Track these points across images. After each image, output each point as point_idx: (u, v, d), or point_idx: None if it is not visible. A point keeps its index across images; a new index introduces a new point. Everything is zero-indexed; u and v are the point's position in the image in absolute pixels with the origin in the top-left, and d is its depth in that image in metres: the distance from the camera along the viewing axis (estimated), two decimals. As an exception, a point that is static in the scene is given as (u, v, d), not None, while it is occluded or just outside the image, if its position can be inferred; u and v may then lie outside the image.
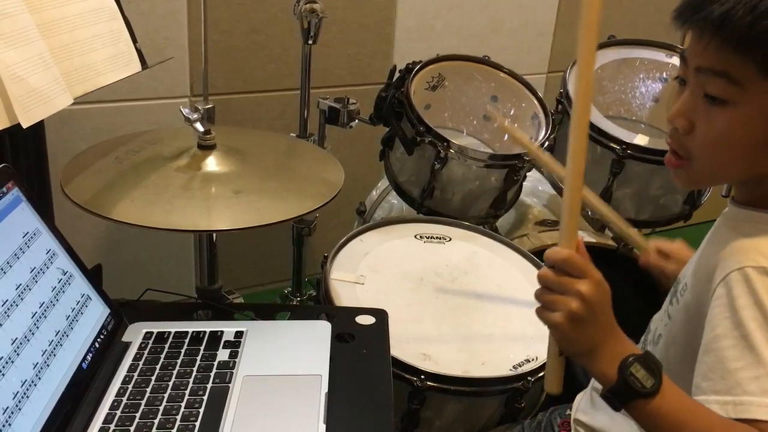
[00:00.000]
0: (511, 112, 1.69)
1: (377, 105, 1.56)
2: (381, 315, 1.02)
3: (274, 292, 1.99)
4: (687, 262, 1.09)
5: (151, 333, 0.92)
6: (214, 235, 1.27)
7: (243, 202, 1.03)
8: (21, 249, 0.79)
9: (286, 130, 1.71)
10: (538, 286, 0.74)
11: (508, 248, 1.40)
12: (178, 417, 0.78)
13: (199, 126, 1.11)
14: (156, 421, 0.77)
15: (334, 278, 1.22)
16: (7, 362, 0.71)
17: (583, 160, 0.72)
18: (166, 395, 0.81)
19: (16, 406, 0.70)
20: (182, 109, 1.13)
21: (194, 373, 0.85)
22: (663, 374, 0.69)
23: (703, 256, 0.80)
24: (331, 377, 0.85)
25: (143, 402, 0.80)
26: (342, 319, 1.00)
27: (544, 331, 0.75)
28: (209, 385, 0.83)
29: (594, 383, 0.98)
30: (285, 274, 1.84)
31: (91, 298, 0.89)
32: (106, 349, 0.88)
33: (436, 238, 1.40)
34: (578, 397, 1.02)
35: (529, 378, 1.07)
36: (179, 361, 0.87)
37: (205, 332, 0.92)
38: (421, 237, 1.39)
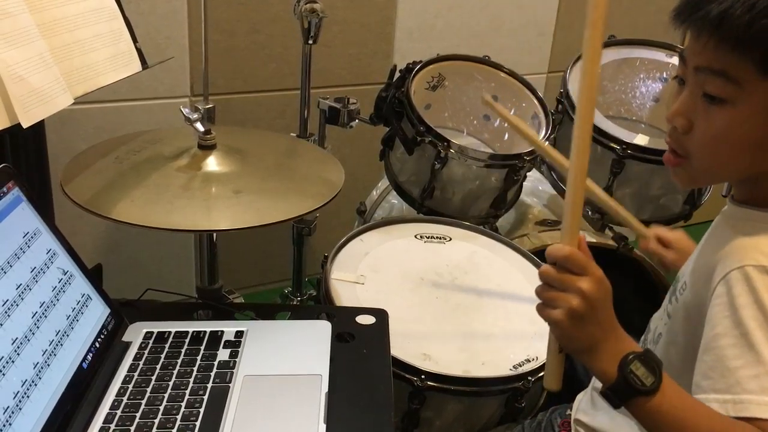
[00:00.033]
0: (512, 112, 1.68)
1: (377, 105, 1.56)
2: (381, 315, 1.02)
3: (275, 291, 2.00)
4: (686, 251, 1.10)
5: (152, 333, 0.92)
6: (215, 234, 1.27)
7: (243, 201, 1.03)
8: (21, 249, 0.79)
9: (286, 130, 1.71)
10: (538, 286, 0.74)
11: (509, 248, 1.40)
12: (179, 417, 0.78)
13: (199, 126, 1.11)
14: (156, 421, 0.77)
15: (334, 278, 1.22)
16: (7, 362, 0.71)
17: (586, 158, 0.72)
18: (166, 395, 0.81)
19: (17, 405, 0.70)
20: (182, 109, 1.14)
21: (194, 373, 0.85)
22: (663, 372, 0.70)
23: (702, 255, 0.80)
24: (331, 377, 0.85)
25: (143, 402, 0.80)
26: (342, 319, 1.00)
27: (545, 330, 0.75)
28: (209, 385, 0.83)
29: (594, 383, 0.98)
30: (285, 273, 1.84)
31: (91, 298, 0.89)
32: (107, 348, 0.88)
33: (437, 237, 1.40)
34: (578, 397, 1.02)
35: (530, 378, 1.07)
36: (179, 361, 0.87)
37: (205, 332, 0.92)
38: (421, 237, 1.39)
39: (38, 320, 0.77)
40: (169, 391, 0.82)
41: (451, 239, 1.40)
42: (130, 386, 0.83)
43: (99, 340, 0.87)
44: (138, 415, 0.78)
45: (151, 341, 0.91)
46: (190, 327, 0.94)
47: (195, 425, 0.77)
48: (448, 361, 1.09)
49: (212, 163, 1.10)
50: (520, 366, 1.10)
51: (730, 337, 0.69)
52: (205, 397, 0.81)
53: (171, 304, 1.09)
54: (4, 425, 0.67)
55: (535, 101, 1.64)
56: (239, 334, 0.92)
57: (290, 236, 1.71)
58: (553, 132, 1.57)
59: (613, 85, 1.72)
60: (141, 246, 1.89)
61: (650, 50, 1.70)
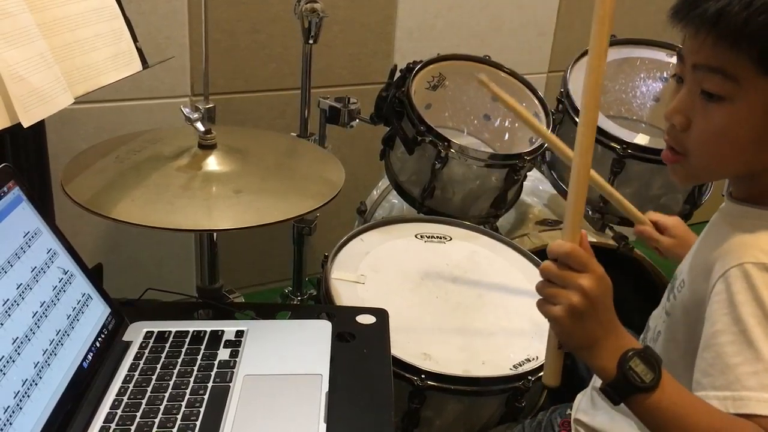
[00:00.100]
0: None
1: (378, 104, 1.56)
2: (381, 314, 1.02)
3: (275, 291, 2.00)
4: (682, 237, 1.11)
5: (152, 332, 0.92)
6: (215, 234, 1.27)
7: (243, 201, 1.03)
8: (22, 248, 0.79)
9: (286, 129, 1.71)
10: (539, 282, 0.74)
11: (509, 248, 1.40)
12: (179, 416, 0.78)
13: (199, 125, 1.12)
14: (157, 421, 0.77)
15: (334, 278, 1.22)
16: (8, 361, 0.71)
17: (590, 155, 0.73)
18: (166, 394, 0.81)
19: (17, 405, 0.70)
20: (183, 109, 1.14)
21: (195, 373, 0.85)
22: (662, 369, 0.70)
23: (701, 252, 0.80)
24: (331, 376, 0.85)
25: (144, 401, 0.80)
26: (342, 319, 1.00)
27: (545, 330, 0.75)
28: (210, 385, 0.83)
29: (594, 382, 0.98)
30: (285, 273, 1.84)
31: (91, 298, 0.89)
32: (107, 348, 0.88)
33: (437, 237, 1.40)
34: (579, 396, 1.02)
35: (530, 377, 1.07)
36: (180, 361, 0.87)
37: (205, 332, 0.92)
38: (421, 236, 1.39)
39: (39, 320, 0.77)
40: (169, 390, 0.82)
41: (451, 239, 1.40)
42: (131, 386, 0.83)
43: (99, 339, 0.87)
44: (138, 414, 0.78)
45: (151, 341, 0.91)
46: (191, 326, 0.94)
47: (195, 425, 0.77)
48: (449, 360, 1.09)
49: (213, 163, 1.10)
50: (521, 365, 1.10)
51: (729, 334, 0.69)
52: (206, 397, 0.81)
53: (171, 303, 1.09)
54: (4, 425, 0.67)
55: (536, 101, 1.64)
56: (239, 334, 0.92)
57: (290, 236, 1.71)
58: (554, 131, 1.57)
59: (614, 84, 1.72)
60: (141, 245, 1.90)
61: (651, 50, 1.70)
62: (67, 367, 0.79)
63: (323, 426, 0.77)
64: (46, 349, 0.77)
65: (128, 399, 0.81)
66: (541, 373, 1.06)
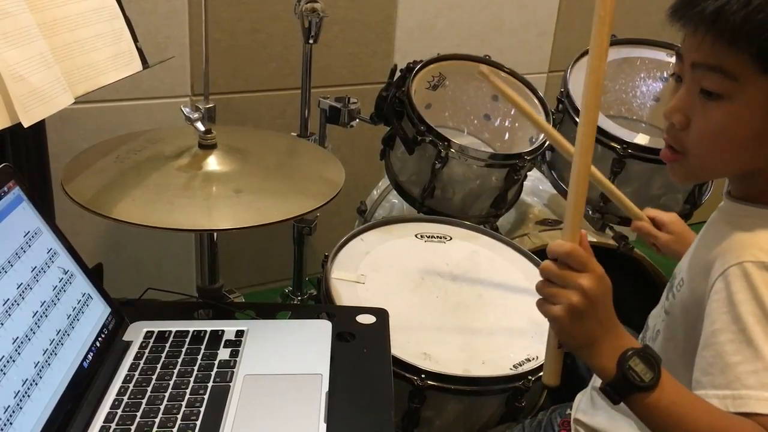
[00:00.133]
0: (512, 111, 1.69)
1: (378, 104, 1.56)
2: (381, 314, 1.02)
3: (275, 291, 2.00)
4: (680, 234, 1.11)
5: (152, 332, 0.92)
6: (215, 234, 1.27)
7: (244, 201, 1.03)
8: (22, 248, 0.79)
9: (286, 129, 1.71)
10: (539, 281, 0.74)
11: (509, 247, 1.40)
12: (179, 416, 0.78)
13: (199, 125, 1.12)
14: (157, 420, 0.77)
15: (334, 277, 1.22)
16: (8, 361, 0.71)
17: (590, 156, 0.73)
18: (167, 394, 0.81)
19: (18, 404, 0.70)
20: (183, 109, 1.14)
21: (195, 372, 0.85)
22: (662, 368, 0.70)
23: (700, 251, 0.80)
24: (331, 376, 0.85)
25: (144, 401, 0.80)
26: (342, 319, 1.00)
27: (545, 330, 0.75)
28: (210, 384, 0.83)
29: (594, 382, 0.98)
30: (286, 273, 1.84)
31: (92, 297, 0.89)
32: (107, 348, 0.88)
33: (437, 237, 1.40)
34: (578, 396, 1.02)
35: (530, 377, 1.07)
36: (180, 360, 0.87)
37: (205, 331, 0.92)
38: (421, 236, 1.39)
39: (39, 319, 0.77)
40: (169, 390, 0.82)
41: (451, 239, 1.40)
42: (131, 385, 0.83)
43: (100, 339, 0.87)
44: (139, 414, 0.78)
45: (151, 340, 0.91)
46: (191, 326, 0.94)
47: (195, 424, 0.77)
48: (449, 360, 1.09)
49: (213, 163, 1.10)
50: (521, 365, 1.10)
51: (728, 333, 0.69)
52: (206, 397, 0.81)
53: (171, 303, 1.09)
54: (5, 424, 0.67)
55: (536, 101, 1.64)
56: (240, 334, 0.92)
57: (291, 236, 1.71)
58: (554, 131, 1.57)
59: (614, 84, 1.72)
60: (141, 245, 1.90)
61: (651, 50, 1.70)
62: (68, 367, 0.80)
63: (323, 426, 0.77)
64: (47, 349, 0.77)
65: (128, 399, 0.81)
66: (541, 373, 1.07)
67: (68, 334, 0.81)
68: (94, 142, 1.20)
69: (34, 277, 0.79)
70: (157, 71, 1.69)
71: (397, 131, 1.52)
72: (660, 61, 1.69)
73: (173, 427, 0.77)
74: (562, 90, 1.63)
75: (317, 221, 1.68)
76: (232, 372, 0.85)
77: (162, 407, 0.79)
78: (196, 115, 1.12)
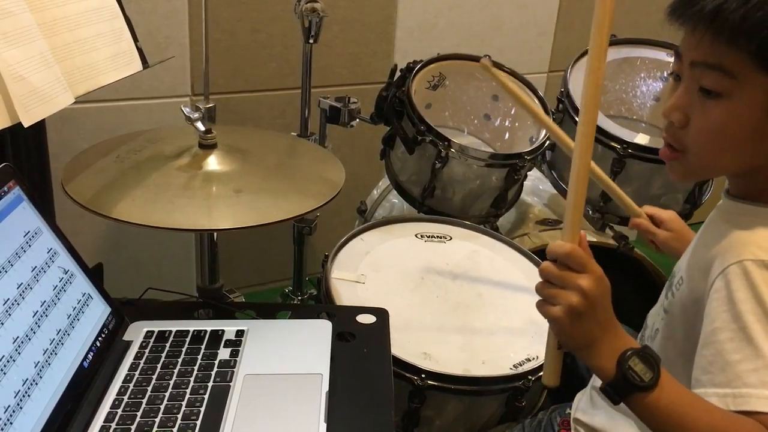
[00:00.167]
0: (512, 111, 1.69)
1: (378, 104, 1.56)
2: (382, 314, 1.02)
3: (275, 291, 2.00)
4: (678, 231, 1.11)
5: (152, 332, 0.92)
6: (215, 234, 1.27)
7: (244, 201, 1.03)
8: (22, 248, 0.79)
9: (287, 129, 1.71)
10: (538, 282, 0.74)
11: (509, 247, 1.40)
12: (179, 416, 0.78)
13: (200, 125, 1.12)
14: (157, 420, 0.78)
15: (334, 277, 1.22)
16: (8, 361, 0.71)
17: (589, 156, 0.73)
18: (167, 394, 0.82)
19: (18, 404, 0.70)
20: (183, 108, 1.14)
21: (195, 372, 0.85)
22: (662, 368, 0.70)
23: (698, 249, 0.81)
24: (331, 376, 0.85)
25: (144, 401, 0.80)
26: (343, 318, 1.00)
27: (545, 330, 0.75)
28: (210, 384, 0.83)
29: (594, 382, 0.98)
30: (286, 273, 1.84)
31: (92, 297, 0.89)
32: (108, 348, 0.88)
33: (437, 237, 1.40)
34: (578, 396, 1.02)
35: (530, 377, 1.07)
36: (180, 360, 0.87)
37: (206, 331, 0.92)
38: (421, 236, 1.39)
39: (39, 319, 0.77)
40: (169, 390, 0.82)
41: (451, 238, 1.40)
42: (131, 385, 0.83)
43: (100, 339, 0.87)
44: (139, 414, 0.78)
45: (151, 340, 0.91)
46: (191, 326, 0.94)
47: (196, 424, 0.77)
48: (449, 360, 1.09)
49: (213, 163, 1.10)
50: (521, 365, 1.10)
51: (728, 332, 0.69)
52: (206, 396, 0.81)
53: (172, 303, 1.09)
54: (5, 424, 0.67)
55: (536, 100, 1.63)
56: (240, 334, 0.92)
57: (291, 235, 1.71)
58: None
59: (614, 84, 1.72)
60: (142, 245, 1.90)
61: (651, 49, 1.70)
62: (68, 367, 0.80)
63: (323, 425, 0.77)
64: (47, 349, 0.77)
65: (129, 398, 0.81)
66: (541, 373, 1.07)
67: (68, 334, 0.81)
68: (94, 141, 1.20)
69: (35, 277, 0.79)
70: (157, 71, 1.69)
71: (397, 131, 1.52)
72: (660, 60, 1.69)
73: (173, 426, 0.77)
74: (563, 90, 1.63)
75: (317, 221, 1.68)
76: (232, 372, 0.85)
77: (162, 407, 0.79)
78: (196, 115, 1.12)
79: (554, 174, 1.71)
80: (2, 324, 0.72)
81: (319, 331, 0.93)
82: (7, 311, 0.73)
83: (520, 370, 1.09)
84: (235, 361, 0.87)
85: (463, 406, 1.10)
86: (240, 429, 0.77)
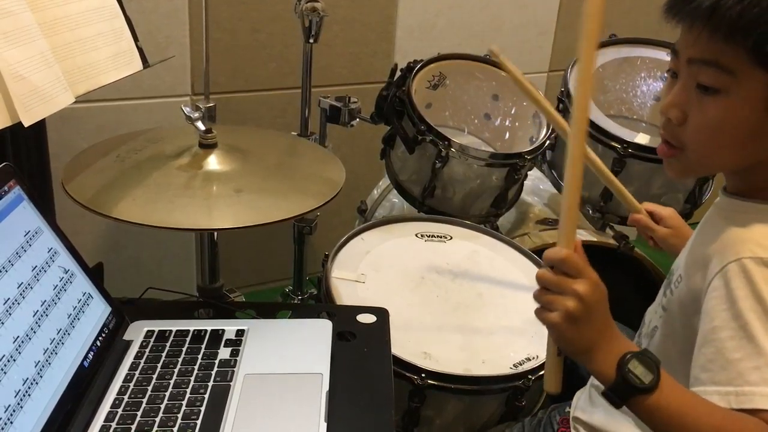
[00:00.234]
0: (512, 111, 1.69)
1: (378, 104, 1.56)
2: (382, 313, 1.02)
3: (275, 290, 2.00)
4: (678, 228, 1.12)
5: (153, 331, 0.92)
6: (216, 233, 1.27)
7: (244, 200, 1.03)
8: (22, 247, 0.79)
9: (287, 128, 1.71)
10: (536, 290, 0.74)
11: (509, 247, 1.40)
12: (180, 415, 0.78)
13: (200, 125, 1.12)
14: (157, 420, 0.78)
15: (335, 277, 1.22)
16: (8, 360, 0.71)
17: (581, 164, 0.73)
18: (167, 393, 0.82)
19: (18, 404, 0.70)
20: (183, 108, 1.14)
21: (195, 372, 0.85)
22: (661, 369, 0.70)
23: (696, 247, 0.81)
24: (332, 376, 0.85)
25: (145, 400, 0.80)
26: (343, 318, 1.00)
27: (545, 329, 0.75)
28: (210, 384, 0.83)
29: (593, 381, 0.98)
30: (286, 272, 1.84)
31: (92, 297, 0.89)
32: (108, 347, 0.88)
33: (437, 236, 1.40)
34: (577, 394, 1.02)
35: (530, 376, 1.07)
36: (180, 360, 0.87)
37: (206, 331, 0.92)
38: (422, 236, 1.39)
39: (39, 319, 0.77)
40: (170, 389, 0.82)
41: (451, 238, 1.40)
42: (131, 385, 0.83)
43: (100, 338, 0.87)
44: (139, 413, 0.78)
45: (152, 340, 0.91)
46: (191, 326, 0.94)
47: (196, 424, 0.77)
48: (449, 359, 1.09)
49: (213, 162, 1.10)
50: (521, 365, 1.10)
51: (728, 330, 0.69)
52: (206, 396, 0.81)
53: (172, 302, 1.09)
54: (5, 424, 0.68)
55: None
56: (240, 333, 0.92)
57: (291, 235, 1.71)
58: (554, 131, 1.57)
59: (614, 84, 1.72)
60: (142, 245, 1.90)
61: (651, 49, 1.70)
62: (68, 366, 0.80)
63: (323, 425, 0.77)
64: (47, 348, 0.77)
65: (129, 398, 0.81)
66: (542, 372, 1.07)
67: (69, 334, 0.81)
68: (95, 141, 1.20)
69: (35, 277, 0.79)
70: (157, 70, 1.69)
71: (398, 131, 1.52)
72: (660, 60, 1.69)
73: (174, 426, 0.77)
74: (563, 89, 1.63)
75: (317, 220, 1.68)
76: (233, 371, 0.85)
77: (162, 406, 0.80)
78: (196, 115, 1.12)
79: (554, 174, 1.71)
80: (3, 323, 0.72)
81: (320, 331, 0.93)
82: (7, 311, 0.73)
83: (520, 369, 1.09)
84: (236, 361, 0.87)
85: (463, 406, 1.10)
86: (240, 428, 0.77)
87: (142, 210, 0.97)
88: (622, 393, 0.70)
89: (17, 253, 0.78)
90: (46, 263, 0.82)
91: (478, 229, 1.44)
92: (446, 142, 1.45)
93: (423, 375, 1.05)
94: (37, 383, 0.74)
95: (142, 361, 0.87)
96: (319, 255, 1.31)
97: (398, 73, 1.56)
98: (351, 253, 1.30)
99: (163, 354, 0.88)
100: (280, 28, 1.85)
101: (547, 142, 1.55)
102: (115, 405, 0.80)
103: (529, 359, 1.11)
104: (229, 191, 1.04)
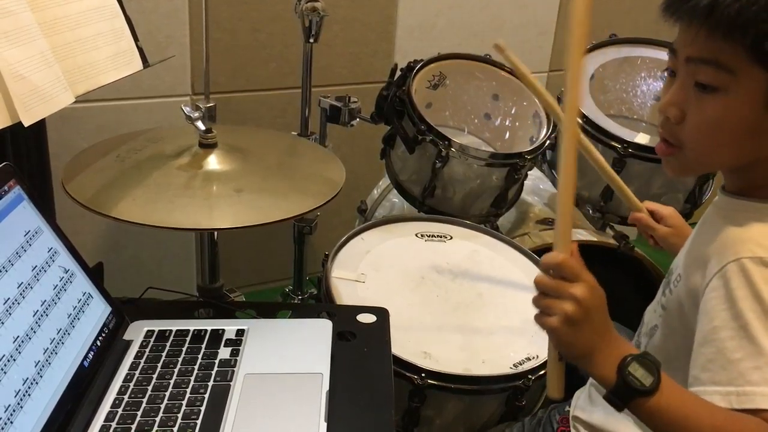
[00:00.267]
0: (513, 111, 1.69)
1: (378, 103, 1.56)
2: (382, 313, 1.02)
3: (276, 290, 2.00)
4: (678, 227, 1.12)
5: (153, 331, 0.92)
6: (216, 233, 1.27)
7: (244, 200, 1.03)
8: (22, 247, 0.79)
9: (287, 128, 1.71)
10: (534, 296, 0.74)
11: (509, 247, 1.40)
12: (180, 415, 0.78)
13: (200, 124, 1.12)
14: (157, 420, 0.78)
15: (335, 276, 1.22)
16: (9, 360, 0.71)
17: (574, 171, 0.73)
18: (167, 393, 0.82)
19: (18, 404, 0.70)
20: (183, 108, 1.14)
21: (195, 372, 0.85)
22: (662, 371, 0.70)
23: (695, 246, 0.81)
24: (332, 375, 0.85)
25: (145, 400, 0.80)
26: (343, 318, 1.00)
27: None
28: (210, 384, 0.83)
29: (592, 380, 0.98)
30: (286, 272, 1.84)
31: (92, 297, 0.89)
32: (108, 347, 0.88)
33: (437, 236, 1.40)
34: (577, 393, 1.02)
35: (530, 376, 1.07)
36: (180, 360, 0.87)
37: (206, 330, 0.92)
38: (422, 235, 1.39)
39: (39, 318, 0.77)
40: (170, 389, 0.82)
41: (451, 238, 1.40)
42: (132, 385, 0.83)
43: (100, 338, 0.87)
44: (139, 413, 0.78)
45: (152, 340, 0.91)
46: (191, 325, 0.94)
47: (196, 423, 0.77)
48: (449, 359, 1.09)
49: (213, 162, 1.10)
50: (521, 364, 1.10)
51: (728, 330, 0.69)
52: (206, 396, 0.81)
53: (172, 302, 1.09)
54: (5, 424, 0.68)
55: (536, 100, 1.64)
56: (240, 333, 0.92)
57: (291, 235, 1.71)
58: (554, 131, 1.57)
59: (615, 83, 1.72)
60: (142, 244, 1.90)
61: (651, 49, 1.70)
62: (68, 366, 0.80)
63: (324, 425, 0.77)
64: (47, 348, 0.77)
65: (129, 398, 0.81)
66: (542, 372, 1.07)
67: (69, 333, 0.81)
68: (95, 141, 1.20)
69: (35, 276, 0.79)
70: (157, 70, 1.69)
71: (398, 130, 1.52)
72: (660, 60, 1.69)
73: (174, 426, 0.77)
74: (563, 89, 1.62)
75: (317, 220, 1.68)
76: (233, 371, 0.85)
77: (162, 406, 0.80)
78: (196, 114, 1.12)
79: (554, 173, 1.71)
80: (3, 323, 0.72)
81: (320, 331, 0.93)
82: (7, 310, 0.73)
83: (520, 369, 1.09)
84: (236, 361, 0.87)
85: (463, 406, 1.10)
86: (240, 428, 0.77)
87: (142, 210, 0.97)
88: (623, 396, 0.70)
89: (17, 253, 0.78)
90: (46, 263, 0.82)
91: (478, 228, 1.44)
92: (446, 142, 1.45)
93: (423, 375, 1.05)
94: (37, 383, 0.74)
95: (142, 360, 0.87)
96: (319, 255, 1.31)
97: (398, 73, 1.56)
98: (351, 253, 1.30)
99: (163, 354, 0.88)
100: (280, 28, 1.85)
101: (547, 141, 1.55)
102: (115, 405, 0.80)
103: (529, 359, 1.11)
104: (229, 191, 1.04)
